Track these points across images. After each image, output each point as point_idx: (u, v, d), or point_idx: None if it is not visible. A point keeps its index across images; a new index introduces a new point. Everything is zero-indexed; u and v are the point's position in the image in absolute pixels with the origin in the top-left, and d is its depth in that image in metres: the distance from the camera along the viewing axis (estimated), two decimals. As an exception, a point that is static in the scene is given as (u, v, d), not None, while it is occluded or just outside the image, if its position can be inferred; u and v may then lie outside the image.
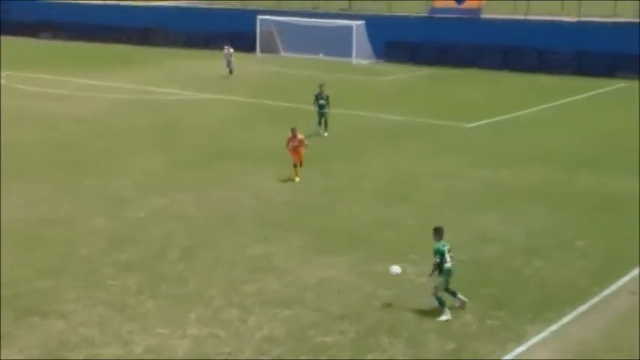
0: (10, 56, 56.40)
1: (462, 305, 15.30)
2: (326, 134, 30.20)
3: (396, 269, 15.71)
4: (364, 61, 53.23)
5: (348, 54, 53.14)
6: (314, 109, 30.83)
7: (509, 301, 15.74)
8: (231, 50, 47.65)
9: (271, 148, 28.15)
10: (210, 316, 15.08)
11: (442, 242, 15.07)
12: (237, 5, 64.41)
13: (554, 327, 14.74)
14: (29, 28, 69.28)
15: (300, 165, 24.72)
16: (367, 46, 53.88)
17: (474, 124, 33.29)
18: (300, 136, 24.47)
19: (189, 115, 35.36)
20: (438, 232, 15.14)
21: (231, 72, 47.15)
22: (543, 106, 37.69)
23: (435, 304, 15.08)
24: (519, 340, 14.20)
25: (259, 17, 57.70)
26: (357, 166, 26.49)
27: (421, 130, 32.30)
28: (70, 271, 17.23)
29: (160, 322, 14.81)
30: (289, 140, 24.55)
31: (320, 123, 30.55)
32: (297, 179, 24.35)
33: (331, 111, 30.95)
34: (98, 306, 15.52)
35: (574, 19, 51.47)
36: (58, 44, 65.04)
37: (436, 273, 15.09)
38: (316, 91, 30.93)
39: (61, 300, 15.77)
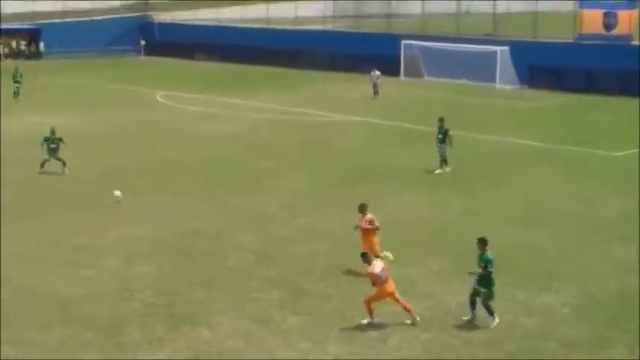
0: (166, 76, 58.79)
1: (472, 319, 15.45)
2: (448, 169, 28.52)
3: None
4: (508, 87, 52.36)
5: (492, 79, 52.40)
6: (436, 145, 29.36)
7: (655, 336, 15.09)
8: (378, 73, 47.95)
9: (412, 170, 28.45)
10: (350, 335, 15.14)
11: (489, 252, 15.23)
12: (382, 29, 64.69)
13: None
14: (185, 50, 71.76)
15: (375, 255, 16.86)
16: (511, 71, 52.97)
17: (619, 153, 32.14)
18: (369, 215, 18.39)
19: (335, 136, 35.71)
20: (483, 242, 15.31)
21: (376, 94, 47.41)
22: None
23: (485, 313, 15.30)
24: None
25: (404, 42, 57.71)
26: (496, 190, 26.12)
27: (563, 156, 31.48)
28: (220, 284, 17.68)
29: (302, 338, 14.98)
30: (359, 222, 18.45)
31: (441, 160, 28.77)
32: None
33: (472, 135, 30.57)
34: (244, 318, 15.86)
35: None
36: (212, 65, 67.06)
37: (473, 279, 15.39)
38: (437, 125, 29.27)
39: (211, 310, 16.21)
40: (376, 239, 18.04)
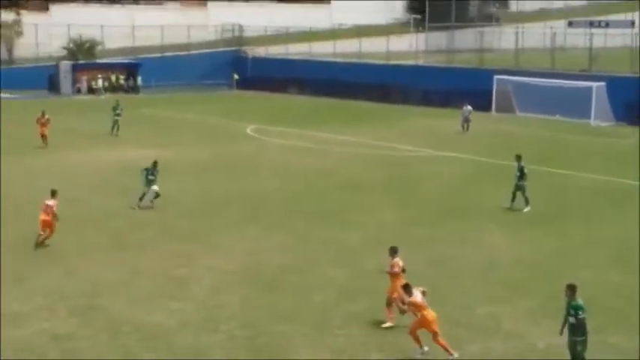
0: (257, 109, 59.68)
1: None
2: (527, 209, 27.81)
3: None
4: (603, 124, 51.26)
5: (587, 115, 51.41)
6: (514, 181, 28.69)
7: None
8: (470, 108, 47.68)
9: (501, 207, 28.02)
10: (434, 374, 14.92)
11: (579, 299, 14.51)
12: (474, 64, 64.29)
13: None
14: (277, 84, 72.81)
15: (400, 311, 16.67)
16: (607, 107, 51.89)
17: None
18: (396, 259, 17.54)
19: (425, 171, 35.54)
20: (572, 289, 14.63)
21: (467, 129, 47.04)
22: None
23: None
24: None
25: (496, 77, 57.27)
26: (588, 229, 25.51)
27: (661, 196, 30.54)
28: (303, 318, 17.68)
29: (384, 375, 14.83)
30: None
31: (513, 199, 28.09)
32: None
33: (565, 172, 30.02)
34: (326, 354, 15.79)
35: None
36: (303, 99, 67.77)
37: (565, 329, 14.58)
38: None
39: (293, 345, 16.20)
40: (399, 282, 16.89)
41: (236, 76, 75.87)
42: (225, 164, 36.73)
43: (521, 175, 27.99)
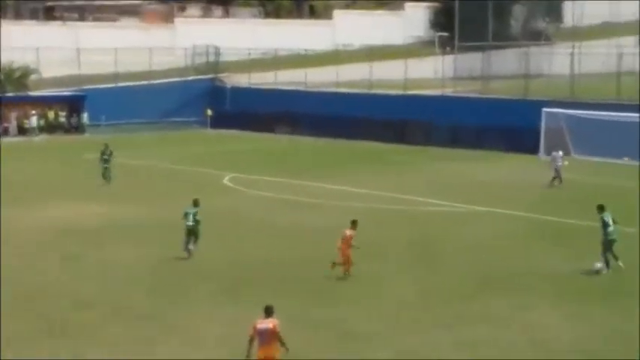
0: (237, 154, 59.79)
1: None
2: (620, 264, 28.62)
3: None
4: (686, 167, 51.39)
5: (664, 157, 51.60)
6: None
7: None
8: (561, 154, 47.48)
9: (551, 276, 28.07)
10: None
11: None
12: (517, 94, 64.55)
13: None
14: (263, 121, 73.19)
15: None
16: (692, 146, 52.09)
17: None
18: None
19: (454, 231, 35.48)
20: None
21: (559, 182, 46.30)
22: None
23: None
24: None
25: (545, 110, 57.55)
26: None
27: None
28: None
29: None
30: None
31: (605, 254, 28.80)
32: None
33: (637, 232, 30.03)
34: None
35: None
36: (297, 140, 68.03)
37: None
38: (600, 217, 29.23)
39: None
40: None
41: (210, 112, 76.29)
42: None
43: (605, 227, 28.60)
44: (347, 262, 28.32)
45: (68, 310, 24.81)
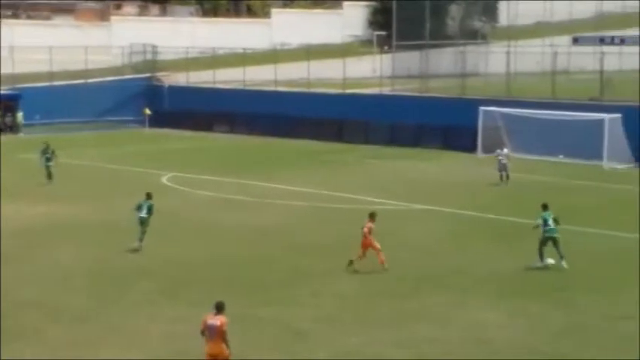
0: (176, 153, 59.51)
1: None
2: (563, 264, 29.02)
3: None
4: (620, 166, 52.05)
5: (598, 156, 52.16)
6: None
7: None
8: (506, 151, 47.41)
9: (492, 273, 28.34)
10: None
11: None
12: (454, 93, 64.97)
13: None
14: (202, 120, 72.93)
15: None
16: (624, 145, 52.71)
17: None
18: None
19: (394, 229, 35.51)
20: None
21: (506, 179, 46.33)
22: None
23: None
24: None
25: (482, 108, 57.94)
26: (609, 302, 25.72)
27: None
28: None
29: None
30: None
31: (541, 249, 29.43)
32: None
33: (573, 228, 30.34)
34: None
35: None
36: (236, 139, 67.83)
37: None
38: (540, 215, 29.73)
39: None
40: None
41: (148, 111, 75.79)
42: (134, 224, 36.40)
43: (544, 225, 29.04)
44: (365, 252, 29.09)
45: (6, 312, 24.50)
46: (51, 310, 24.89)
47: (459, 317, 24.27)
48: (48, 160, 47.23)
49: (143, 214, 31.97)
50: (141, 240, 31.84)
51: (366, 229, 29.05)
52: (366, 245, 28.96)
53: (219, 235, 34.55)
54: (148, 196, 32.70)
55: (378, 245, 28.88)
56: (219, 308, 19.05)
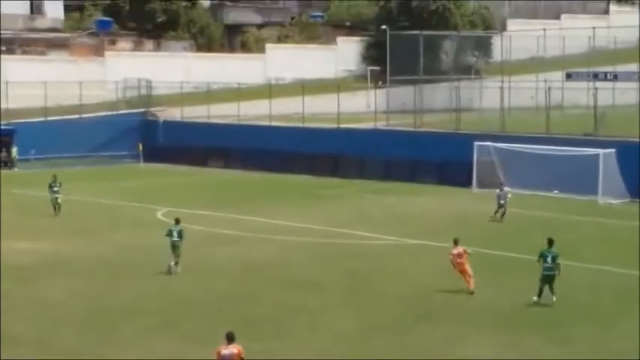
0: (171, 187, 59.44)
1: None
2: (554, 299, 28.96)
3: None
4: (614, 201, 52.02)
5: (593, 191, 52.12)
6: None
7: None
8: (507, 190, 47.30)
9: (490, 309, 28.20)
10: None
11: None
12: (449, 128, 64.97)
13: None
14: (198, 155, 72.90)
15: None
16: (618, 181, 52.70)
17: None
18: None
19: (389, 265, 35.56)
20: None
21: (501, 216, 46.13)
22: None
23: None
24: None
25: (477, 143, 57.97)
26: (604, 336, 25.74)
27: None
28: None
29: None
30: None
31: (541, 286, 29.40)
32: None
33: (569, 263, 30.36)
34: None
35: None
36: (230, 174, 67.78)
37: None
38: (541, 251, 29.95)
39: None
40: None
41: (141, 147, 75.70)
42: (128, 259, 36.34)
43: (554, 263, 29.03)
44: (469, 275, 30.17)
45: (-1, 348, 24.38)
46: (41, 345, 24.75)
47: (454, 352, 24.22)
48: (55, 192, 47.75)
49: (175, 237, 33.35)
50: (176, 264, 33.24)
51: (455, 254, 30.14)
52: (463, 270, 30.01)
53: (213, 271, 34.45)
54: (177, 221, 34.19)
55: (470, 270, 30.10)
56: (230, 338, 19.53)
